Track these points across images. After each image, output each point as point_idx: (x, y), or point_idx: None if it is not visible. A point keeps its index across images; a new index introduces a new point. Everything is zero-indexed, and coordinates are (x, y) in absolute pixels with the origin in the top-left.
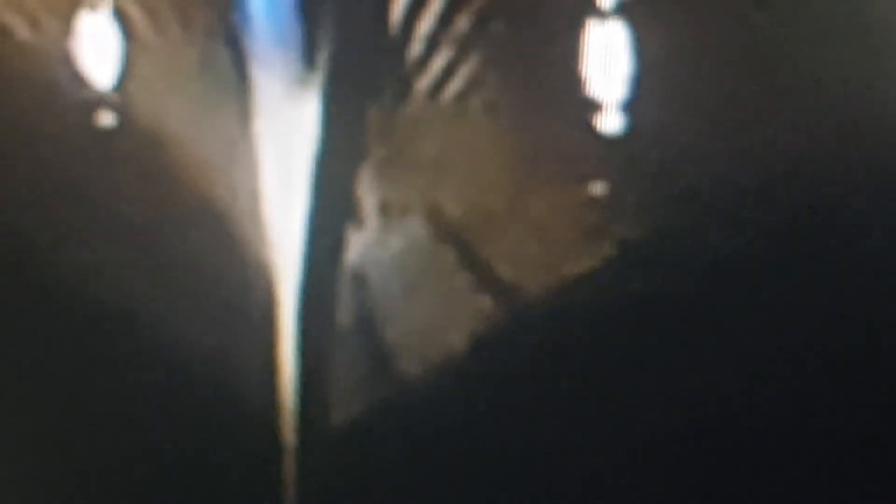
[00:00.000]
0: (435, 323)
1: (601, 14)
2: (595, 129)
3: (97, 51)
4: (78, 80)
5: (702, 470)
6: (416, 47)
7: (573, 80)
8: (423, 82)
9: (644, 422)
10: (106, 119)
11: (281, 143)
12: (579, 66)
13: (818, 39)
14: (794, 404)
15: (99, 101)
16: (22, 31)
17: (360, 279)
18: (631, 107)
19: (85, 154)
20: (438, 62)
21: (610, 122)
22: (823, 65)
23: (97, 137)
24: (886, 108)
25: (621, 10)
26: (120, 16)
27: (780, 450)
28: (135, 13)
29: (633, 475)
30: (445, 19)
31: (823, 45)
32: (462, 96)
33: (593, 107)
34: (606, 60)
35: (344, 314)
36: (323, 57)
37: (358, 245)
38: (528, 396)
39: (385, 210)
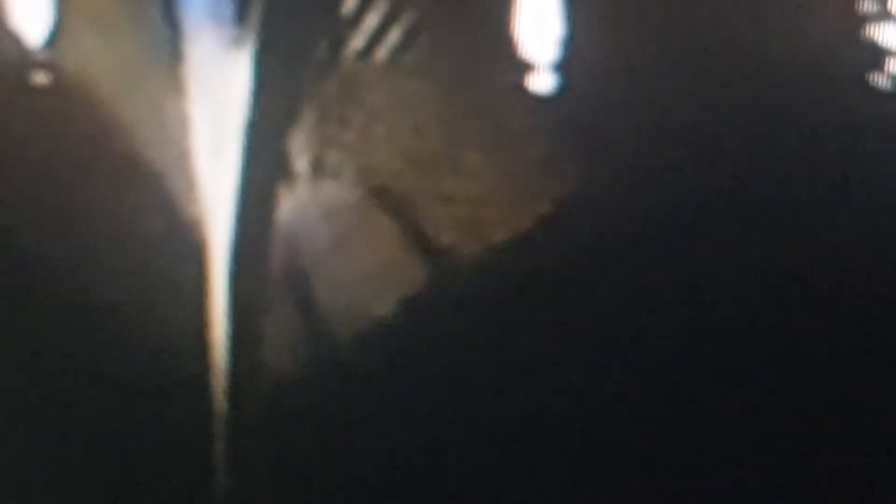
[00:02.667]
0: (366, 283)
1: None
2: (527, 89)
3: (28, 8)
4: (9, 37)
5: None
6: (349, 6)
7: (506, 40)
8: (357, 41)
9: (573, 385)
10: (37, 76)
11: (212, 100)
12: (512, 27)
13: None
14: (715, 361)
15: (30, 58)
16: None
17: (291, 239)
18: (562, 67)
19: (16, 111)
20: (371, 21)
21: (542, 82)
22: (752, 22)
23: (28, 95)
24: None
25: None
26: None
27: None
28: None
29: (565, 430)
30: None
31: (753, 4)
32: (395, 56)
33: (525, 67)
34: (539, 21)
35: (275, 274)
36: (255, 15)
37: (289, 204)
38: (457, 358)
39: (317, 169)
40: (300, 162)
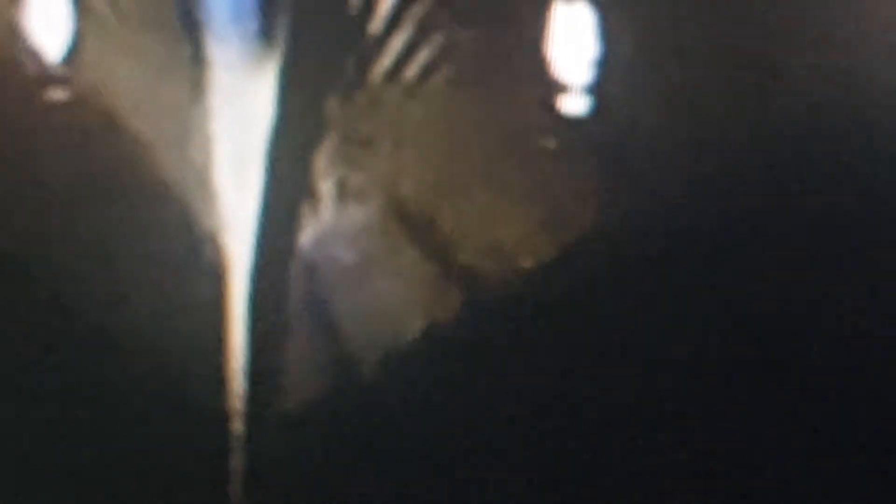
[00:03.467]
0: (391, 308)
1: None
2: (558, 110)
3: (48, 23)
4: (29, 53)
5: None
6: (376, 26)
7: (537, 60)
8: (384, 62)
9: (606, 407)
10: (57, 93)
11: (236, 119)
12: (543, 47)
13: (785, 25)
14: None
15: (50, 74)
16: None
17: (314, 262)
18: (595, 88)
19: (34, 128)
20: (399, 41)
21: (573, 103)
22: (788, 44)
23: (48, 111)
24: (854, 93)
25: None
26: None
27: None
28: None
29: (593, 457)
30: None
31: (790, 32)
32: (422, 76)
33: (557, 88)
34: (571, 41)
35: (297, 298)
36: (281, 33)
37: (313, 227)
38: (484, 383)
39: (341, 191)
40: (324, 183)
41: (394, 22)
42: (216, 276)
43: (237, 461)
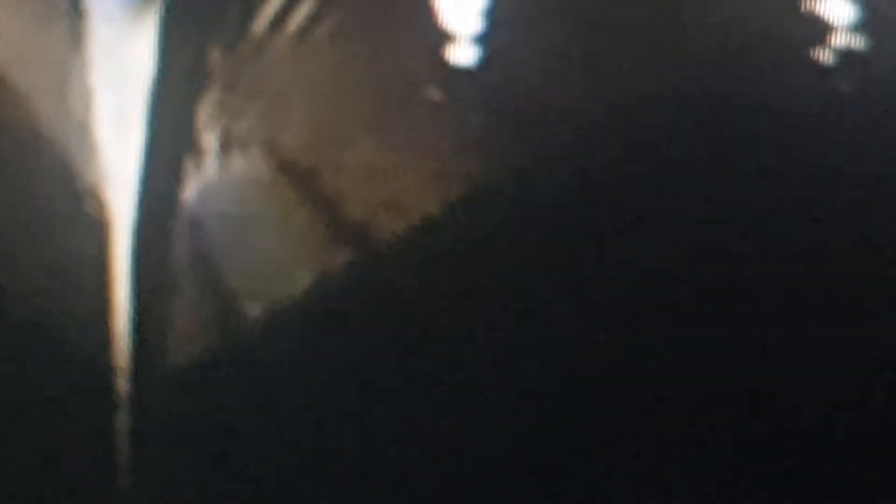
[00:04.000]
0: (278, 262)
1: None
2: (447, 60)
3: None
4: None
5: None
6: None
7: (425, 9)
8: (267, 11)
9: (494, 369)
10: None
11: (116, 71)
12: None
13: None
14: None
15: None
16: None
17: (198, 216)
18: (483, 38)
19: None
20: None
21: (462, 53)
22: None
23: None
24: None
25: None
26: None
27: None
28: None
29: (473, 427)
30: None
31: None
32: (307, 26)
33: (445, 37)
34: None
35: (181, 252)
36: None
37: (196, 180)
38: (371, 337)
39: (225, 144)
40: (207, 135)
41: None
42: (98, 230)
43: (123, 420)
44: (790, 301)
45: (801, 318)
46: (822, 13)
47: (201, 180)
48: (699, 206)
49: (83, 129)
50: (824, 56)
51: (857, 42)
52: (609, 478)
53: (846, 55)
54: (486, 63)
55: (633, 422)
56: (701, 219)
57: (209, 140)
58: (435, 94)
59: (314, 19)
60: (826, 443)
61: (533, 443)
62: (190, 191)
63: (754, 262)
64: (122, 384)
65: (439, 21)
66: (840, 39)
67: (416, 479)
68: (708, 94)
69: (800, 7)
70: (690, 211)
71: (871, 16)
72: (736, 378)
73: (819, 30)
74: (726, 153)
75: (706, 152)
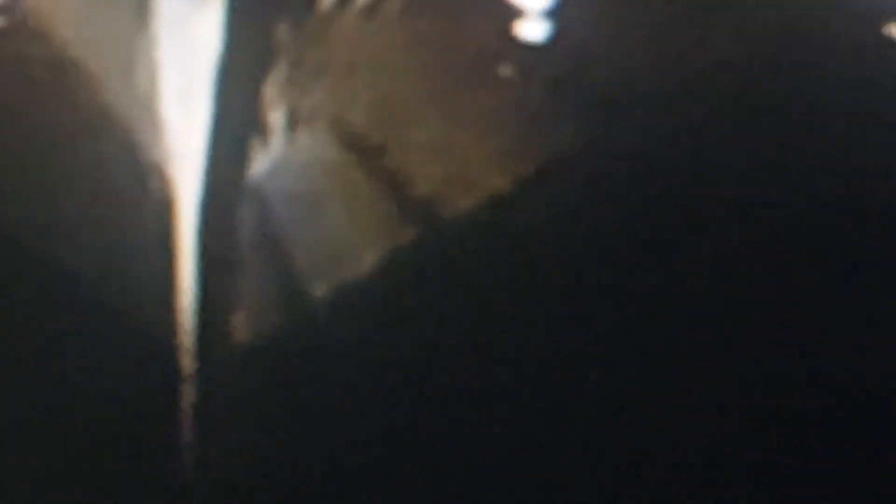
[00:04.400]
0: (343, 240)
1: None
2: (516, 37)
3: None
4: None
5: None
6: None
7: None
8: None
9: (564, 348)
10: None
11: (182, 48)
12: None
13: None
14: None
15: None
16: None
17: (264, 195)
18: (554, 15)
19: None
20: None
21: (532, 29)
22: None
23: None
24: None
25: None
26: None
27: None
28: None
29: (538, 403)
30: None
31: None
32: (375, 1)
33: (514, 14)
34: None
35: (247, 231)
36: None
37: (263, 159)
38: (440, 316)
39: (292, 122)
40: (274, 112)
41: None
42: (164, 208)
43: (187, 398)
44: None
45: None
46: None
47: (267, 158)
48: (768, 182)
49: (149, 107)
50: None
51: None
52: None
53: None
54: (554, 40)
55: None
56: (771, 196)
57: (276, 117)
58: (504, 70)
59: None
60: (828, 443)
61: (624, 418)
62: (256, 168)
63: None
64: (187, 363)
65: None
66: None
67: (483, 456)
68: (778, 68)
69: None
70: (760, 185)
71: None
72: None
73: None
74: (797, 129)
75: (777, 128)
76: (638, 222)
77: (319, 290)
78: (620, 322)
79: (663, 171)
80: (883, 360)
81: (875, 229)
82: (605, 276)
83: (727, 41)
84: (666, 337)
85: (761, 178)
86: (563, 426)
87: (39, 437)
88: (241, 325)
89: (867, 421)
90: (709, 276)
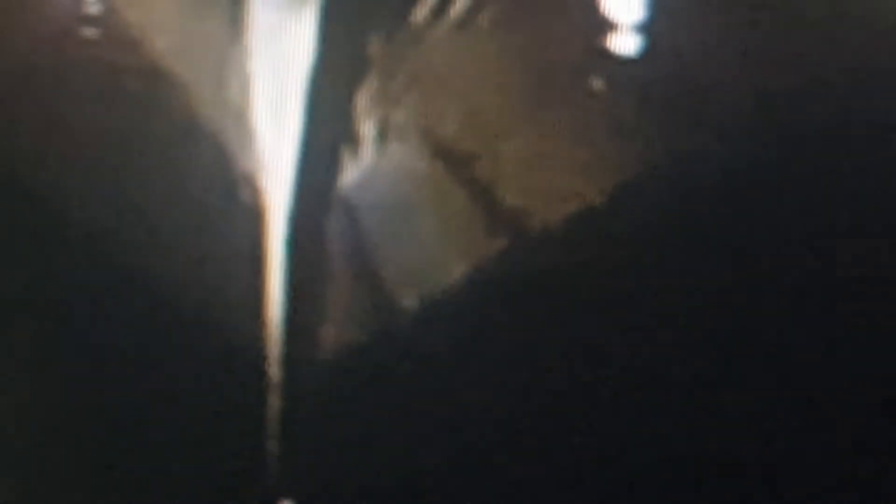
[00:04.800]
0: (433, 253)
1: None
2: (607, 50)
3: None
4: None
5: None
6: None
7: None
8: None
9: (653, 361)
10: (89, 30)
11: (275, 59)
12: None
13: None
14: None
15: (83, 11)
16: None
17: (354, 206)
18: (645, 28)
19: (66, 66)
20: None
21: (623, 42)
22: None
23: (82, 49)
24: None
25: None
26: None
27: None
28: None
29: (630, 415)
30: None
31: None
32: (468, 13)
33: (606, 26)
34: None
35: (336, 242)
36: None
37: (353, 170)
38: (529, 329)
39: (383, 133)
40: (365, 124)
41: None
42: (254, 218)
43: (274, 408)
44: None
45: None
46: None
47: (358, 169)
48: (848, 199)
49: (241, 117)
50: None
51: None
52: None
53: None
54: (645, 52)
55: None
56: (850, 212)
57: (367, 128)
58: (594, 82)
59: (474, 8)
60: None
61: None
62: (346, 179)
63: None
64: (275, 372)
65: (599, 9)
66: None
67: (572, 469)
68: (864, 87)
69: None
70: (837, 201)
71: None
72: None
73: None
74: (880, 146)
75: (859, 146)
76: (728, 235)
77: (408, 301)
78: (713, 332)
79: (753, 185)
80: None
81: None
82: (696, 286)
83: (822, 54)
84: (759, 344)
85: (860, 194)
86: (672, 433)
87: (126, 446)
88: (329, 337)
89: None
90: (802, 288)
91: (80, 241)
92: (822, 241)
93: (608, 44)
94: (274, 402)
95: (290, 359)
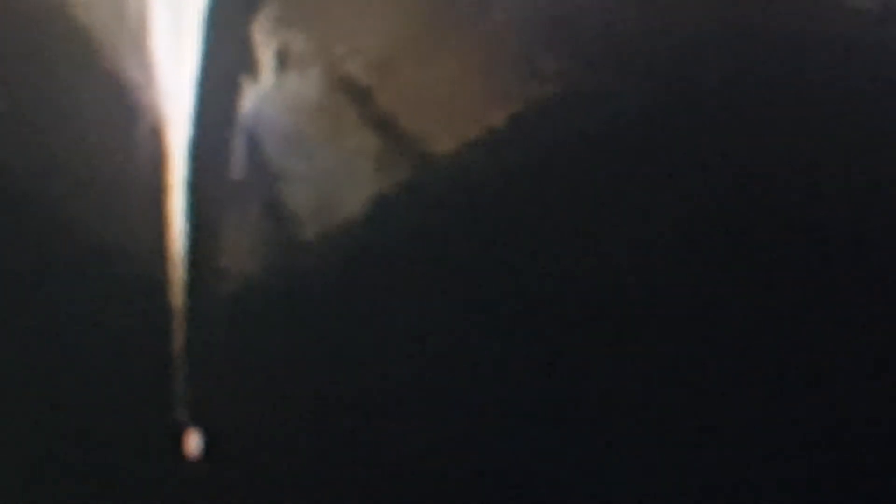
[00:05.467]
0: (334, 182)
1: None
2: None
3: None
4: None
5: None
6: None
7: None
8: None
9: (552, 291)
10: None
11: None
12: None
13: None
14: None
15: None
16: None
17: (254, 133)
18: None
19: None
20: None
21: None
22: None
23: None
24: None
25: None
26: None
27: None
28: None
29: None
30: None
31: None
32: None
33: None
34: None
35: (237, 170)
36: None
37: (253, 97)
38: (430, 258)
39: (282, 60)
40: (264, 52)
41: None
42: (154, 148)
43: (178, 338)
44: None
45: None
46: None
47: (258, 98)
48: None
49: (138, 44)
50: None
51: None
52: None
53: None
54: None
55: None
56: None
57: (266, 55)
58: (496, 12)
59: None
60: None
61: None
62: (247, 109)
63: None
64: (178, 302)
65: None
66: None
67: (470, 414)
68: (769, 39)
69: None
70: (729, 152)
71: None
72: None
73: None
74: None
75: (759, 96)
76: (617, 177)
77: (310, 229)
78: (603, 271)
79: (650, 124)
80: None
81: None
82: (589, 218)
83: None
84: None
85: (756, 145)
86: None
87: (27, 378)
88: (231, 265)
89: None
90: (694, 234)
91: None
92: (714, 186)
93: None
94: (178, 332)
95: (193, 289)
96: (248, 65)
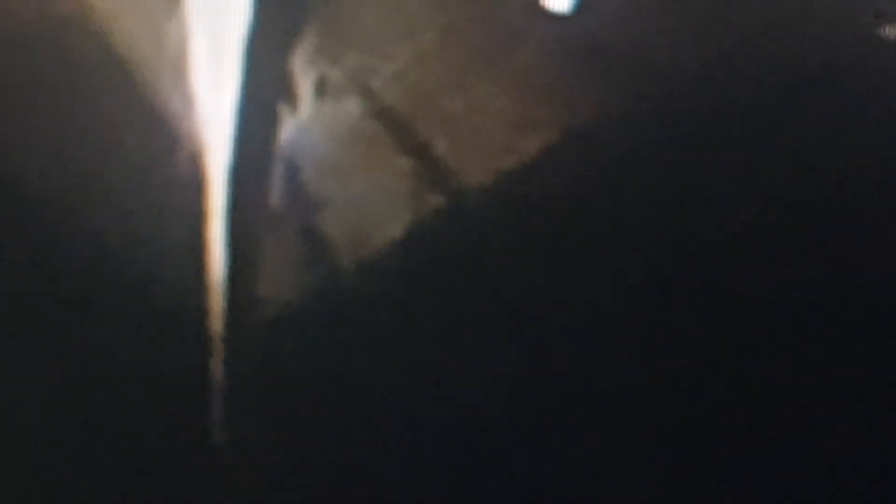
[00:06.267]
0: (370, 209)
1: None
2: (541, 7)
3: None
4: None
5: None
6: None
7: None
8: None
9: (586, 314)
10: None
11: (212, 16)
12: None
13: None
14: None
15: None
16: None
17: (292, 160)
18: None
19: (5, 25)
20: None
21: (557, 1)
22: None
23: (21, 10)
24: None
25: None
26: None
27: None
28: None
29: (584, 363)
30: None
31: None
32: None
33: None
34: None
35: (276, 197)
36: None
37: (291, 125)
38: (465, 284)
39: (320, 90)
40: (303, 82)
41: None
42: (194, 175)
43: (216, 364)
44: None
45: None
46: None
47: (297, 127)
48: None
49: (179, 73)
50: None
51: None
52: None
53: None
54: (581, 11)
55: None
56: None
57: (304, 86)
58: (530, 41)
59: None
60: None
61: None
62: (285, 136)
63: None
64: (216, 327)
65: None
66: None
67: (515, 421)
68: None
69: None
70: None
71: None
72: None
73: None
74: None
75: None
76: (658, 195)
77: (346, 255)
78: (638, 287)
79: (686, 142)
80: None
81: None
82: (627, 243)
83: (756, 17)
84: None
85: (787, 161)
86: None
87: (69, 401)
88: (269, 290)
89: None
90: (732, 257)
91: (22, 200)
92: (751, 204)
93: (545, 3)
94: (217, 357)
95: (232, 314)
96: (286, 94)
